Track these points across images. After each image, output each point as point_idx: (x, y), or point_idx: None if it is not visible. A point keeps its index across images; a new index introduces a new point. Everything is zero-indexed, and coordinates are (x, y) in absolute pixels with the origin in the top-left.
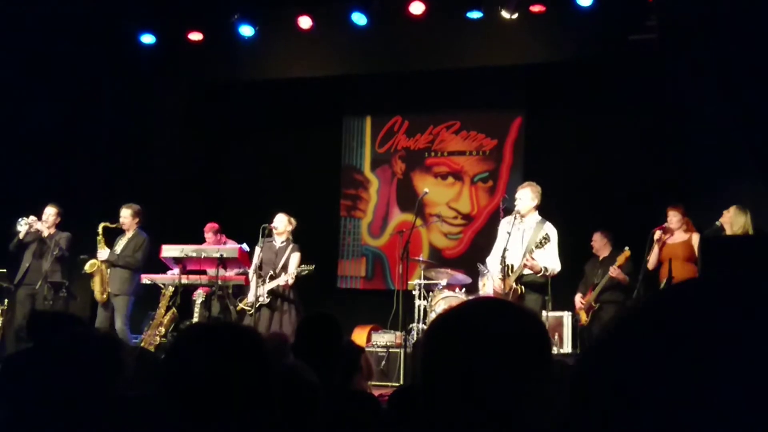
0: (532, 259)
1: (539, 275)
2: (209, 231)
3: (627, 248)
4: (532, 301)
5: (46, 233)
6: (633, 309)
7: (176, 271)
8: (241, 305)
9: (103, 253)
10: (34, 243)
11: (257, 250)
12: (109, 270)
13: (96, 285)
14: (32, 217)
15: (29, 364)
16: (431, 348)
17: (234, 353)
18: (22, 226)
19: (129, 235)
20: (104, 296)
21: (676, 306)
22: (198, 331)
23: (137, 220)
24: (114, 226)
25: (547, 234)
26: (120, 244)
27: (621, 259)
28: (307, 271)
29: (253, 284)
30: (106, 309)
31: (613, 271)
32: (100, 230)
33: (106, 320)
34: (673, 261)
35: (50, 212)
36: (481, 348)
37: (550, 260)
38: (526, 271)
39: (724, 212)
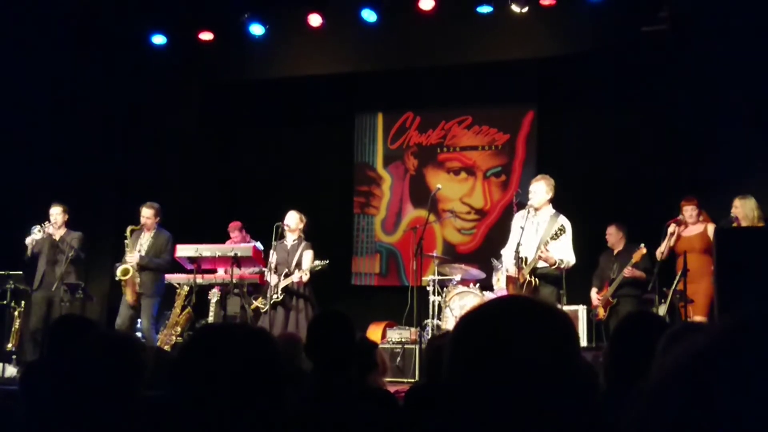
0: (547, 251)
1: (554, 267)
2: (234, 229)
3: (642, 245)
4: (547, 294)
5: (57, 236)
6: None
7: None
8: (256, 303)
9: (133, 256)
10: (46, 247)
11: (272, 252)
12: (139, 273)
13: (128, 289)
14: (41, 225)
15: (52, 369)
16: (460, 345)
17: (244, 354)
18: (36, 234)
19: (150, 234)
20: (135, 298)
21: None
22: (207, 333)
23: (158, 218)
24: (139, 227)
25: (562, 225)
26: (143, 245)
27: (637, 256)
28: (320, 267)
29: (272, 284)
30: (129, 308)
31: (628, 272)
32: (128, 233)
33: (128, 320)
34: (689, 253)
35: (56, 212)
36: (512, 345)
37: (565, 252)
38: (541, 264)
39: (734, 205)
